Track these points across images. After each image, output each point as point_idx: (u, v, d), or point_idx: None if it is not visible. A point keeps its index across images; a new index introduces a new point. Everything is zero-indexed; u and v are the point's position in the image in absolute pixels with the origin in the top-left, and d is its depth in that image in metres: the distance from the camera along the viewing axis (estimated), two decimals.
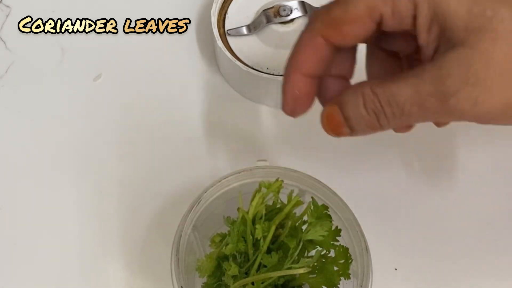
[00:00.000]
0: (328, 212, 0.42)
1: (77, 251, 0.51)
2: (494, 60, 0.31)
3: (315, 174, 0.44)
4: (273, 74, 0.54)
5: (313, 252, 0.42)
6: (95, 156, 0.54)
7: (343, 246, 0.42)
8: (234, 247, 0.41)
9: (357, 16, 0.34)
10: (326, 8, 0.35)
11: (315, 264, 0.42)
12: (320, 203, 0.42)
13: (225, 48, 0.54)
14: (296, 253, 0.41)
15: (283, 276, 0.41)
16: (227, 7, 0.57)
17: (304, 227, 0.42)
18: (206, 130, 0.56)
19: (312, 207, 0.42)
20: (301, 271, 0.40)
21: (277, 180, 0.43)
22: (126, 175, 0.54)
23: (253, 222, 0.42)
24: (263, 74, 0.53)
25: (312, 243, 0.42)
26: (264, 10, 0.56)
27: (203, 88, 0.58)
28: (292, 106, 0.37)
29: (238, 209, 0.43)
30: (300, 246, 0.41)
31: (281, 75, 0.54)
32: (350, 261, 0.42)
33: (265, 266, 0.41)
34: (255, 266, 0.41)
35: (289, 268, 0.40)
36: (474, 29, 0.32)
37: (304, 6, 0.55)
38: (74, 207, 0.52)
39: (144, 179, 0.54)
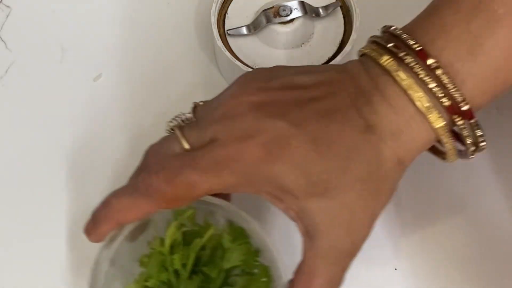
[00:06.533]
0: (245, 234, 0.42)
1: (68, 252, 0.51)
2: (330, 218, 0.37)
3: None
4: None
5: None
6: (96, 157, 0.54)
7: (262, 264, 0.43)
8: (157, 278, 0.41)
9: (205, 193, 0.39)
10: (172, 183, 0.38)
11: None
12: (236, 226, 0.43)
13: (225, 48, 0.54)
14: (218, 282, 0.41)
15: None
16: (227, 7, 0.57)
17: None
18: None
19: (228, 231, 0.43)
20: None
21: (189, 207, 0.43)
22: (126, 176, 0.54)
23: (172, 250, 0.42)
24: None
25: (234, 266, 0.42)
26: (264, 10, 0.55)
27: (203, 88, 0.58)
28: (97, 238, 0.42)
29: (153, 239, 0.43)
30: (221, 276, 0.41)
31: None
32: (271, 280, 0.42)
33: None
34: None
35: None
36: (316, 195, 0.37)
37: (304, 6, 0.55)
38: (74, 207, 0.52)
39: None
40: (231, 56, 0.54)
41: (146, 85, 0.58)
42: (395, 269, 0.50)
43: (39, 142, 0.55)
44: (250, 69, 0.53)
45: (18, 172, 0.54)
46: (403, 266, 0.50)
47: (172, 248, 0.42)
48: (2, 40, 0.60)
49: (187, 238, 0.43)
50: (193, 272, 0.42)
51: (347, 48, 0.53)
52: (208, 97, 0.58)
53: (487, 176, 0.53)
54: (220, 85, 0.58)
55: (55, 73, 0.58)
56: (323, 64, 0.54)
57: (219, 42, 0.54)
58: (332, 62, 0.53)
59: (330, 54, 0.55)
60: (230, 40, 0.56)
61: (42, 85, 0.58)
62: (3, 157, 0.55)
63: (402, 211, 0.52)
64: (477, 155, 0.53)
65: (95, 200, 0.52)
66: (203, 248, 0.43)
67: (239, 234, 0.42)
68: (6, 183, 0.54)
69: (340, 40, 0.55)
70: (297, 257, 0.40)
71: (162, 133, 0.56)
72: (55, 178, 0.54)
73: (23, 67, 0.59)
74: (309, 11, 0.55)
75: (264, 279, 0.42)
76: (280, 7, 0.55)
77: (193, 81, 0.58)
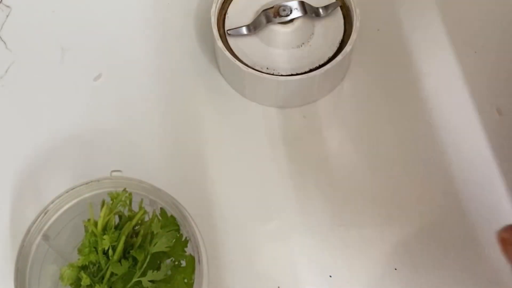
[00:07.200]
0: (176, 223, 0.43)
1: None
2: None
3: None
4: (273, 74, 0.54)
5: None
6: (95, 157, 0.54)
7: (190, 255, 0.43)
8: (86, 259, 0.42)
9: None
10: None
11: (166, 275, 0.43)
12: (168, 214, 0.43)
13: (225, 48, 0.54)
14: (144, 266, 0.42)
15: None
16: (227, 7, 0.57)
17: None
18: (206, 129, 0.56)
19: (159, 218, 0.43)
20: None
21: (123, 190, 0.44)
22: (129, 173, 0.54)
23: (105, 232, 0.43)
24: (263, 74, 0.53)
25: (164, 253, 0.43)
26: (264, 10, 0.56)
27: (204, 88, 0.58)
28: None
29: (88, 220, 0.43)
30: (147, 259, 0.42)
31: (281, 75, 0.54)
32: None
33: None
34: (107, 275, 0.42)
35: (138, 281, 0.42)
36: None
37: (304, 6, 0.55)
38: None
39: (144, 178, 0.53)
40: (231, 56, 0.54)
41: (146, 85, 0.58)
42: (395, 269, 0.50)
43: (38, 141, 0.55)
44: (250, 69, 0.53)
45: (17, 171, 0.54)
46: (403, 266, 0.50)
47: (106, 232, 0.43)
48: (2, 40, 0.60)
49: (122, 224, 0.44)
50: (125, 258, 0.43)
51: (347, 48, 0.53)
52: (209, 97, 0.59)
53: (488, 177, 0.53)
54: (220, 85, 0.58)
55: (55, 73, 0.58)
56: (322, 64, 0.54)
57: (219, 42, 0.54)
58: (332, 62, 0.53)
59: (330, 54, 0.55)
60: (230, 40, 0.56)
61: (42, 85, 0.58)
62: (3, 157, 0.55)
63: (402, 212, 0.52)
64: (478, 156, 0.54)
65: None
66: (136, 234, 0.43)
67: (170, 222, 0.43)
68: (5, 181, 0.54)
69: (340, 40, 0.56)
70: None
71: (161, 132, 0.56)
72: (54, 177, 0.53)
73: (23, 67, 0.59)
74: (309, 11, 0.55)
75: (189, 269, 0.43)
76: (280, 7, 0.55)
77: (193, 81, 0.58)
